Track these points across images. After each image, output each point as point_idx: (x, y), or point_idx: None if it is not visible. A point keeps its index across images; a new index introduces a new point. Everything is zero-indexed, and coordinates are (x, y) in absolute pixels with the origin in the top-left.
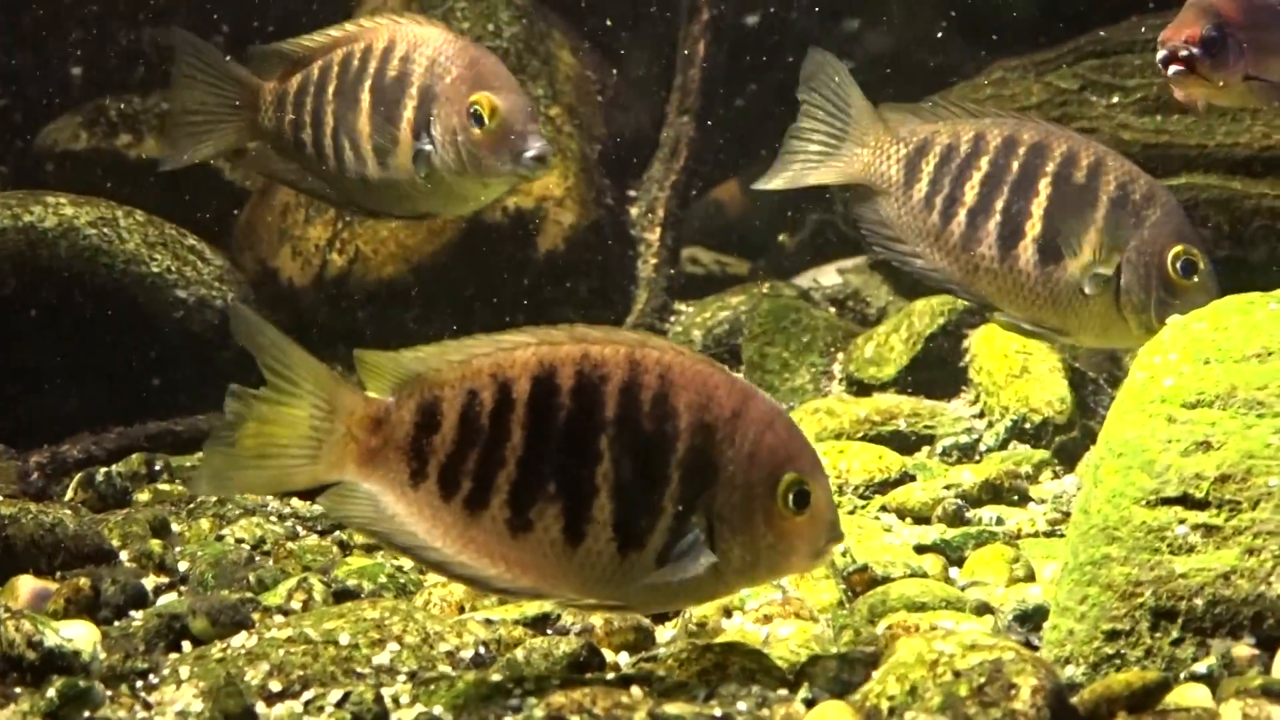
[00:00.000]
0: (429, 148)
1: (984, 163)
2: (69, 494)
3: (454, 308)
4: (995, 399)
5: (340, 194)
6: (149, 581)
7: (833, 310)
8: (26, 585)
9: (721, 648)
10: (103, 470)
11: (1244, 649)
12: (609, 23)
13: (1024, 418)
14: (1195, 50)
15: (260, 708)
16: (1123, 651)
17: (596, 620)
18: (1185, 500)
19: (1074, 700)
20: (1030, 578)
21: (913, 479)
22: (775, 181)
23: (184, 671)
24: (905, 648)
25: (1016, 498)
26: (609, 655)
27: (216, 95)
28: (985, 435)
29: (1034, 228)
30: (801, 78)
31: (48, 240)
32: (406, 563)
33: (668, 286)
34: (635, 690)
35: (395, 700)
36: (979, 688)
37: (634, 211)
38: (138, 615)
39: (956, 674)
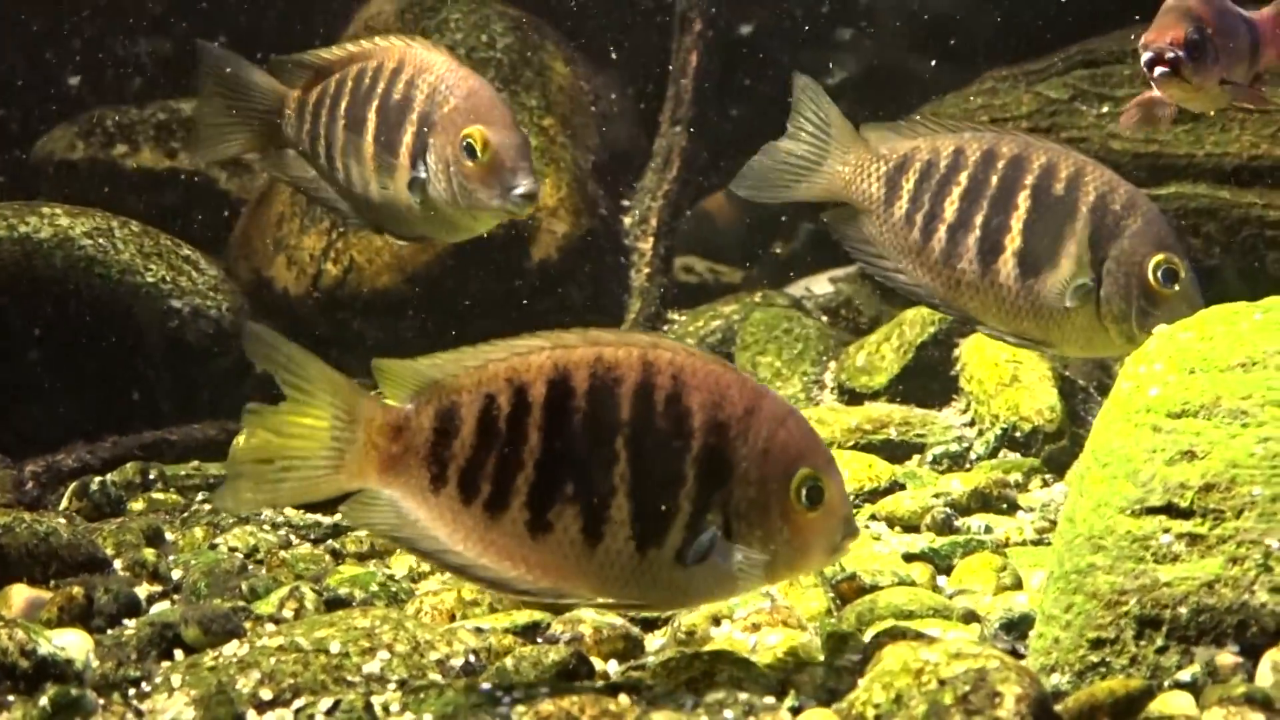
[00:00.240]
0: (424, 175)
1: (963, 178)
2: (63, 503)
3: (448, 317)
4: (986, 407)
5: (351, 207)
6: (142, 590)
7: (825, 319)
8: (20, 594)
9: (709, 656)
10: (97, 479)
11: (1228, 657)
12: (602, 34)
13: (1014, 426)
14: (1180, 53)
15: (251, 715)
16: (1108, 660)
17: (585, 629)
18: (1170, 509)
19: (1058, 708)
20: (1018, 586)
21: (902, 487)
22: (754, 193)
23: (176, 679)
24: (891, 656)
25: (1005, 506)
26: (598, 664)
27: (243, 100)
28: (975, 444)
29: (1014, 241)
30: (791, 102)
31: (43, 251)
32: (398, 571)
33: (661, 295)
34: (623, 698)
35: (385, 708)
36: (964, 695)
37: (627, 221)
38: (131, 624)
39: (941, 682)
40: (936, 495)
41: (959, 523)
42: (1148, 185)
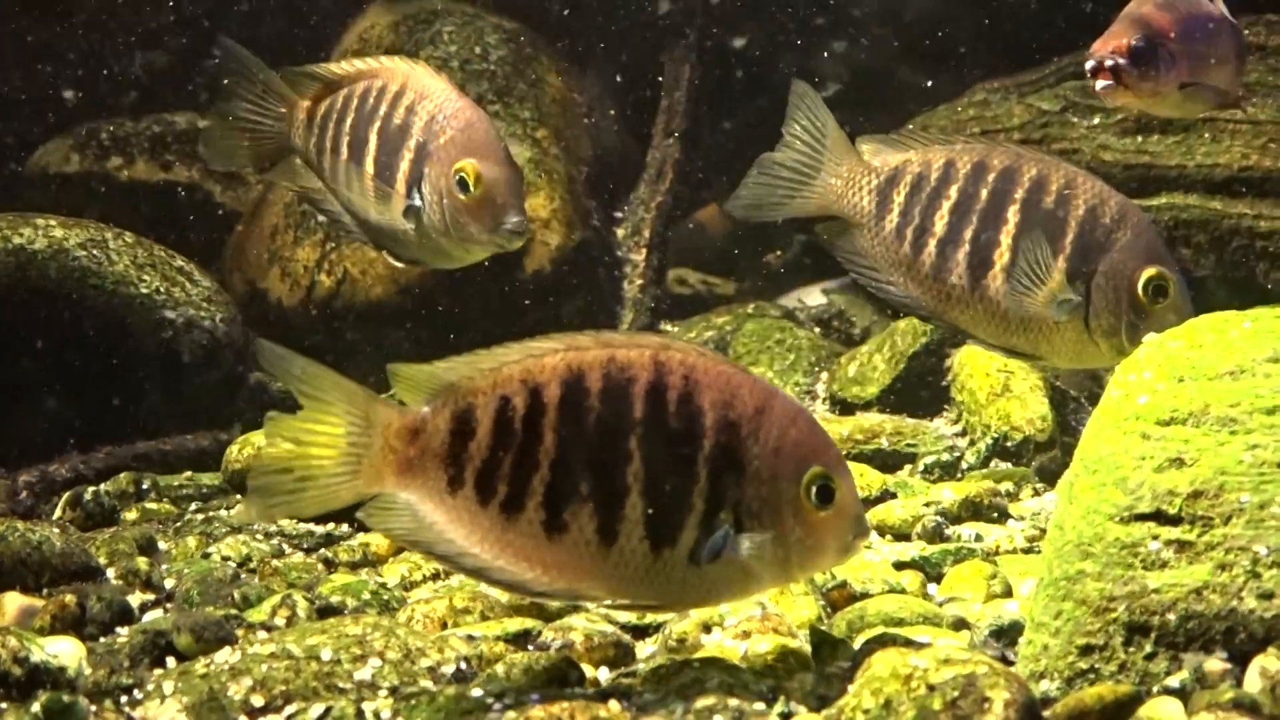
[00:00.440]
0: (419, 203)
1: (953, 191)
2: (57, 513)
3: (442, 328)
4: (977, 417)
5: (354, 221)
6: (135, 598)
7: (817, 330)
8: (13, 602)
9: (700, 663)
10: (91, 489)
11: (1216, 663)
12: (596, 45)
13: (1005, 436)
14: (1121, 61)
15: None
16: (1096, 666)
17: (577, 636)
18: (1158, 516)
19: (1046, 714)
20: (1008, 594)
21: (893, 496)
22: (750, 212)
23: (168, 687)
24: (880, 662)
25: (996, 515)
26: (589, 670)
27: (258, 106)
28: (967, 453)
29: (1003, 256)
30: (788, 111)
31: (38, 262)
32: (390, 580)
33: (653, 307)
34: (613, 704)
35: (376, 715)
36: (952, 701)
37: (620, 232)
38: (123, 631)
39: (930, 688)
40: (927, 504)
41: (949, 531)
42: (1139, 196)
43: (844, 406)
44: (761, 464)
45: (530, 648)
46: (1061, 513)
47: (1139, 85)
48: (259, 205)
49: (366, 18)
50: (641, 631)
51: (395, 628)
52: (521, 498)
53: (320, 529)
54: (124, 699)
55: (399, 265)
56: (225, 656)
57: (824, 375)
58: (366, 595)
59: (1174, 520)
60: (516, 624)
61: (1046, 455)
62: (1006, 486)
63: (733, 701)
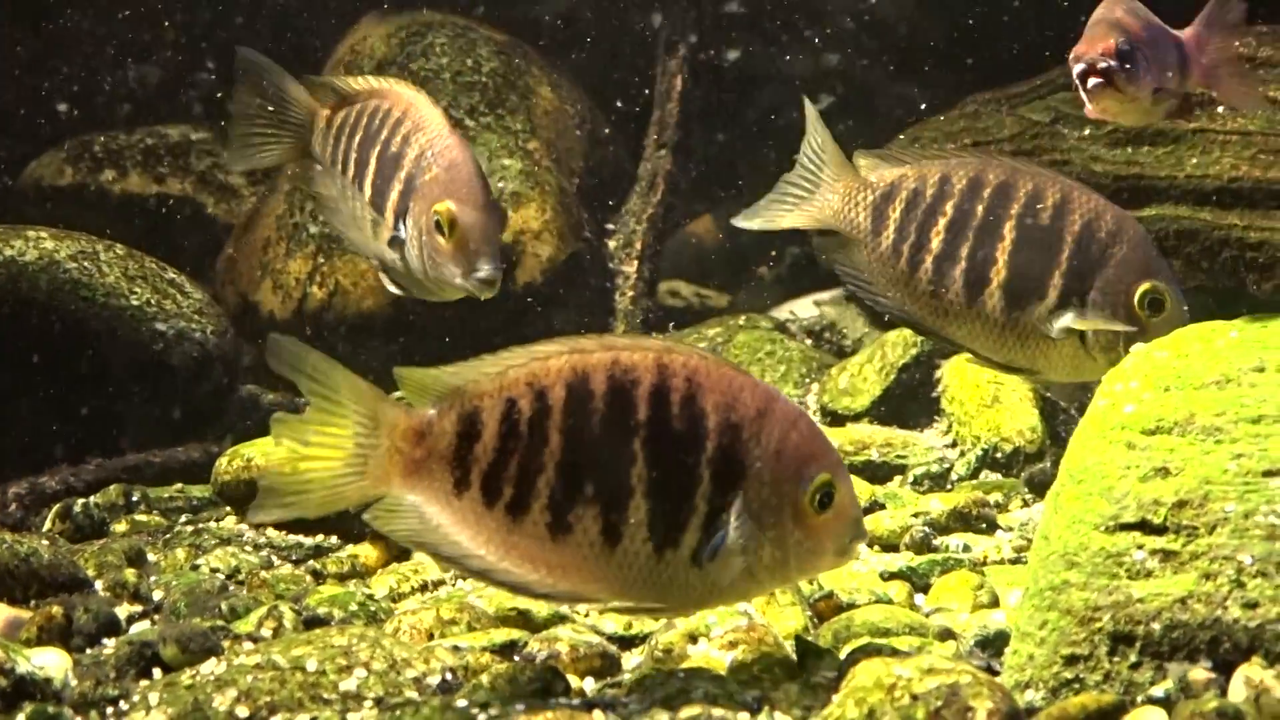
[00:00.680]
0: (403, 235)
1: (949, 207)
2: (46, 525)
3: (433, 339)
4: (967, 428)
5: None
6: (122, 610)
7: (809, 342)
8: (0, 614)
9: (686, 673)
10: (80, 501)
11: (1200, 672)
12: (588, 58)
13: (995, 447)
14: (1113, 63)
15: None
16: (1081, 676)
17: (562, 647)
18: (1143, 526)
19: None
20: (994, 604)
21: (882, 507)
22: (753, 222)
23: (153, 698)
24: (864, 672)
25: (985, 525)
26: (574, 681)
27: (279, 110)
28: (957, 464)
29: (999, 273)
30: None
31: (29, 274)
32: (378, 591)
33: (644, 319)
34: (598, 714)
35: None
36: (935, 711)
37: (612, 244)
38: (110, 643)
39: (914, 697)
40: (915, 514)
41: (937, 541)
42: (1129, 207)
43: (834, 418)
44: (763, 466)
45: (516, 658)
46: (1047, 522)
47: (1126, 87)
48: (251, 218)
49: (359, 30)
50: (628, 642)
51: (381, 639)
52: (527, 500)
53: (309, 540)
54: (109, 710)
55: (391, 289)
56: (211, 667)
57: (815, 387)
58: (354, 606)
59: (1159, 530)
60: (503, 635)
61: (1036, 466)
62: (995, 497)
63: (717, 712)
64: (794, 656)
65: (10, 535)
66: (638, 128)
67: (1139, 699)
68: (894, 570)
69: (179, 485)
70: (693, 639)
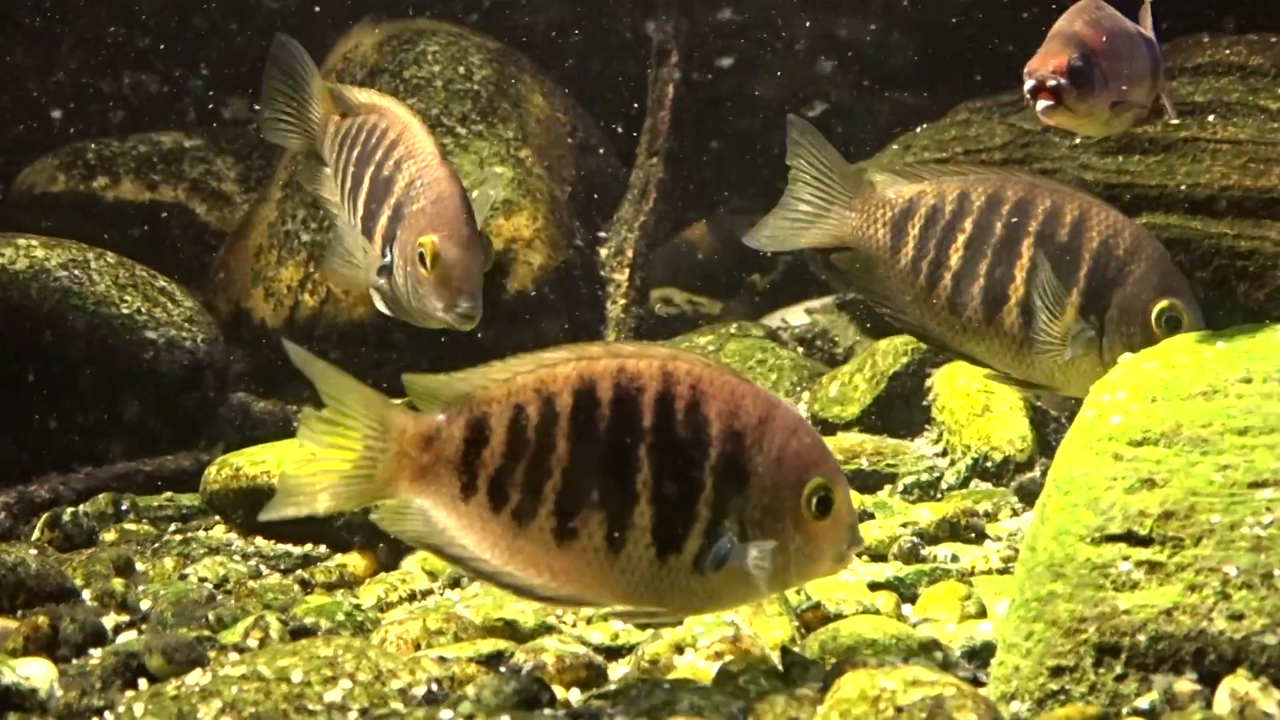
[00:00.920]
0: (389, 261)
1: (968, 224)
2: (35, 534)
3: (424, 348)
4: (957, 437)
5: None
6: (109, 620)
7: (800, 350)
8: None
9: (672, 684)
10: (69, 510)
11: (1186, 684)
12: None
13: (985, 456)
14: (1063, 81)
15: None
16: (1067, 687)
17: (548, 658)
18: (1129, 537)
19: None
20: (982, 614)
21: (871, 516)
22: (766, 243)
23: (139, 709)
24: (849, 684)
25: (973, 535)
26: (560, 692)
27: (299, 103)
28: (947, 473)
29: (1017, 291)
30: (788, 145)
31: (19, 282)
32: (366, 601)
33: (636, 326)
34: None
35: None
36: None
37: (603, 252)
38: (96, 653)
39: (898, 709)
40: (904, 524)
41: (925, 552)
42: None
43: (825, 426)
44: (765, 473)
45: (502, 669)
46: (1034, 533)
47: (1078, 105)
48: (243, 225)
49: (351, 37)
50: (614, 653)
51: (367, 649)
52: (533, 505)
53: (297, 550)
54: None
55: (381, 308)
56: (196, 678)
57: (805, 395)
58: (341, 616)
59: (1145, 541)
60: (489, 645)
61: (1026, 475)
62: (985, 507)
63: None
64: (780, 667)
65: None
66: (630, 135)
67: (1124, 711)
68: (882, 580)
69: (169, 494)
70: (679, 650)
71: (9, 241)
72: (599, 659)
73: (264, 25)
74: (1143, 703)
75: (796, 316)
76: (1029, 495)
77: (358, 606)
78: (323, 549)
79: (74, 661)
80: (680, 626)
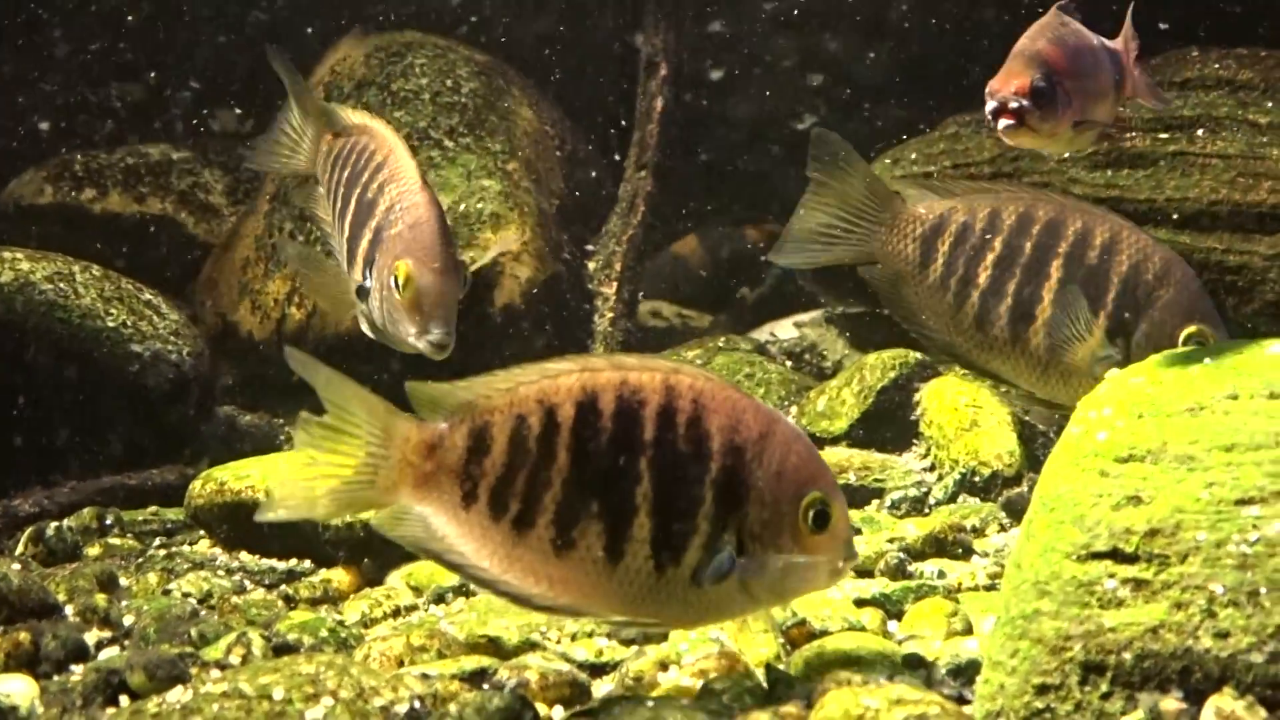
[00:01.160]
0: (368, 285)
1: (998, 243)
2: (19, 548)
3: (411, 361)
4: (945, 452)
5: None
6: (92, 636)
7: (789, 363)
8: None
9: (656, 701)
10: (54, 524)
11: (1172, 702)
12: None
13: (973, 471)
14: (1025, 102)
15: None
16: (1052, 705)
17: (532, 675)
18: (1115, 554)
19: None
20: (968, 631)
21: (858, 532)
22: (795, 260)
23: None
24: (833, 702)
25: (960, 551)
26: (543, 709)
27: (297, 126)
28: (934, 488)
29: (1045, 311)
30: (810, 156)
31: (4, 295)
32: (349, 617)
33: (624, 340)
34: None
35: None
36: None
37: (591, 265)
38: (77, 670)
39: None
40: (891, 540)
41: (912, 568)
42: None
43: (813, 441)
44: (764, 487)
45: (485, 686)
46: (1020, 550)
47: (1040, 125)
48: (230, 238)
49: (339, 50)
50: (598, 670)
51: (349, 666)
52: (533, 515)
53: (282, 565)
54: None
55: (365, 329)
56: (178, 695)
57: (793, 409)
58: (324, 633)
59: (1130, 558)
60: (473, 662)
61: (1013, 490)
62: (972, 522)
63: None
64: (764, 684)
65: None
66: (619, 148)
67: None
68: (868, 597)
69: (154, 508)
70: (664, 666)
71: None
72: (583, 676)
73: (253, 35)
74: None
75: (785, 330)
76: (1016, 511)
77: (341, 623)
78: (307, 564)
79: (55, 678)
80: (665, 643)
